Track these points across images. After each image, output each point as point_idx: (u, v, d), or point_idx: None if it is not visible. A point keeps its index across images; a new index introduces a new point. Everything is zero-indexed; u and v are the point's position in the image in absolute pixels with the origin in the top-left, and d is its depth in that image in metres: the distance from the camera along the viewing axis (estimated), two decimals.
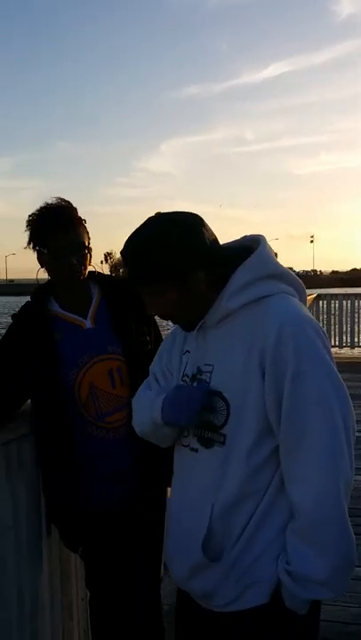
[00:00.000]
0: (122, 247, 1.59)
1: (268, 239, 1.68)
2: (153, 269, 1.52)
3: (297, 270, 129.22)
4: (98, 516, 2.13)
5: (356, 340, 12.28)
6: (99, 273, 2.26)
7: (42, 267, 2.14)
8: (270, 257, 1.63)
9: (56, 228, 2.07)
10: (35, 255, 2.13)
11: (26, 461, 2.12)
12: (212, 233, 1.59)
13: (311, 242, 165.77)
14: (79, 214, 2.15)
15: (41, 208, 2.13)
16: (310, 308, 11.38)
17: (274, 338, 1.48)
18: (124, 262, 1.60)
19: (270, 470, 1.54)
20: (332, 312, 12.25)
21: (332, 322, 12.25)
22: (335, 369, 1.52)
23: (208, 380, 1.60)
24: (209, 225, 1.58)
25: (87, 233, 2.14)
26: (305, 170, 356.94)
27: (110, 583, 2.18)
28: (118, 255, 1.63)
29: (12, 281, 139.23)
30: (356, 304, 12.31)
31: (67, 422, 2.08)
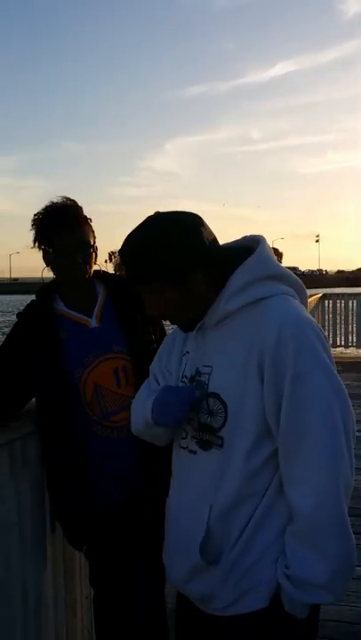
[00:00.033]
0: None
1: (273, 238, 1.70)
2: (152, 269, 1.52)
3: (302, 270, 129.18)
4: (102, 515, 2.13)
5: None
6: (104, 272, 2.26)
7: (47, 265, 2.14)
8: (270, 258, 1.61)
9: (61, 226, 2.07)
10: (39, 254, 2.14)
11: (30, 459, 2.12)
12: (212, 233, 1.58)
13: (317, 241, 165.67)
14: (84, 213, 2.15)
15: (46, 207, 2.13)
16: (316, 307, 11.38)
17: (273, 340, 1.47)
18: (122, 261, 1.59)
19: (269, 473, 1.53)
20: (338, 312, 12.24)
21: (338, 321, 12.24)
22: (335, 371, 1.51)
23: (206, 382, 1.59)
24: (214, 224, 1.59)
25: (92, 232, 2.14)
26: (311, 169, 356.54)
27: (114, 582, 2.17)
28: None
29: (16, 279, 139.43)
30: None
31: (71, 421, 2.08)
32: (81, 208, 2.15)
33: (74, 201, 2.16)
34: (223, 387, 1.55)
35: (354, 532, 1.50)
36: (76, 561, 2.40)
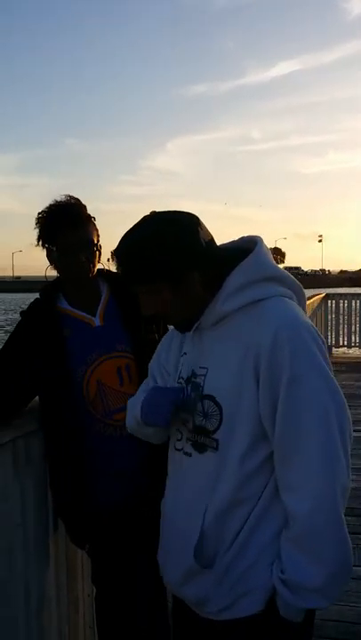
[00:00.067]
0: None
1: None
2: (148, 268, 1.51)
3: (305, 269, 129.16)
4: (102, 515, 2.13)
5: None
6: (107, 270, 2.26)
7: (51, 264, 2.15)
8: (267, 259, 1.60)
9: (65, 225, 2.08)
10: (42, 252, 2.14)
11: (34, 457, 2.12)
12: (209, 233, 1.57)
13: (320, 241, 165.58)
14: (88, 212, 2.16)
15: (50, 205, 2.13)
16: (319, 307, 11.37)
17: (269, 342, 1.46)
18: (117, 261, 1.58)
19: (264, 476, 1.52)
20: (341, 312, 12.24)
21: (341, 321, 12.23)
22: (331, 374, 1.50)
23: (202, 384, 1.58)
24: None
25: (96, 230, 2.14)
26: (313, 169, 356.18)
27: (117, 580, 2.18)
28: None
29: (18, 278, 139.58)
30: None
31: (74, 419, 2.08)
32: (85, 206, 2.16)
33: (77, 199, 2.16)
34: (218, 389, 1.54)
35: (353, 532, 1.49)
36: (78, 559, 2.41)
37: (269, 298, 1.54)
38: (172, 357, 1.74)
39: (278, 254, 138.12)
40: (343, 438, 1.47)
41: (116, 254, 1.57)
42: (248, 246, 1.60)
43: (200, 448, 1.58)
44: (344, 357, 12.02)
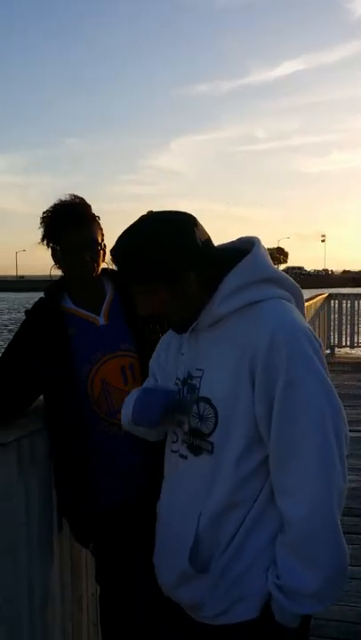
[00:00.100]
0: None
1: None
2: (145, 268, 1.50)
3: (308, 269, 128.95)
4: (102, 515, 2.13)
5: None
6: (112, 270, 2.26)
7: (56, 263, 2.16)
8: (264, 260, 1.58)
9: (69, 224, 2.09)
10: (45, 252, 2.15)
11: (38, 457, 2.13)
12: (205, 233, 1.56)
13: (322, 241, 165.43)
14: (92, 211, 2.16)
15: (54, 205, 2.14)
16: (322, 307, 11.37)
17: (266, 345, 1.44)
18: (113, 261, 1.57)
19: (260, 480, 1.51)
20: (344, 312, 12.24)
21: (344, 322, 12.23)
22: (327, 377, 1.48)
23: (198, 386, 1.57)
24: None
25: (101, 230, 2.15)
26: (315, 169, 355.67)
27: (120, 580, 2.18)
28: None
29: (22, 277, 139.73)
30: None
31: (79, 418, 2.09)
32: (89, 206, 2.16)
33: (82, 199, 2.17)
34: (214, 391, 1.53)
35: (353, 533, 1.49)
36: (82, 558, 2.41)
37: (266, 300, 1.52)
38: (170, 357, 1.74)
39: (281, 254, 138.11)
40: (339, 442, 1.46)
41: (114, 254, 1.57)
42: (246, 247, 1.59)
43: (195, 451, 1.58)
44: (347, 357, 12.02)
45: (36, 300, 2.24)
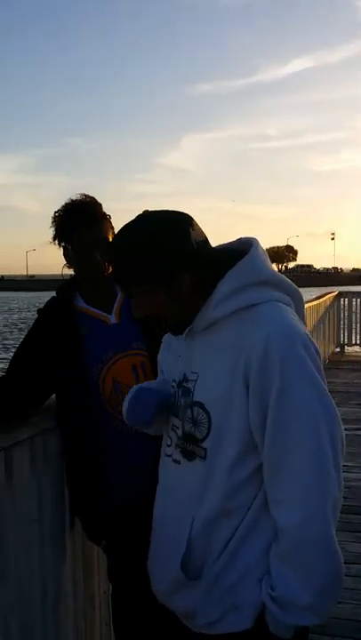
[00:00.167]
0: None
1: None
2: (141, 268, 1.47)
3: (317, 267, 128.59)
4: (113, 512, 2.14)
5: None
6: None
7: (67, 262, 2.17)
8: (262, 262, 1.54)
9: (80, 223, 2.10)
10: (55, 251, 2.16)
11: (51, 455, 2.14)
12: (202, 234, 1.53)
13: (332, 239, 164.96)
14: (103, 210, 2.17)
15: (66, 204, 2.15)
16: (332, 305, 11.34)
17: (260, 350, 1.41)
18: (111, 261, 1.55)
19: (254, 487, 1.48)
20: (354, 310, 12.21)
21: (354, 320, 12.20)
22: (323, 384, 1.45)
23: (192, 389, 1.54)
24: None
25: (112, 228, 2.15)
26: (326, 167, 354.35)
27: (132, 577, 2.19)
28: None
29: (32, 276, 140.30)
30: None
31: (90, 417, 2.10)
32: (100, 205, 2.17)
33: (93, 198, 2.18)
34: (208, 396, 1.50)
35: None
36: (94, 556, 2.42)
37: (263, 303, 1.49)
38: (170, 358, 1.72)
39: (290, 252, 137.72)
40: (335, 450, 1.43)
41: (110, 254, 1.54)
42: (245, 248, 1.55)
43: (189, 456, 1.55)
44: (357, 356, 11.99)
45: (47, 299, 2.25)
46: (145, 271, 1.47)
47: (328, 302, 10.99)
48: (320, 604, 1.44)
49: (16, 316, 42.48)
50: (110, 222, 2.17)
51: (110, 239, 2.12)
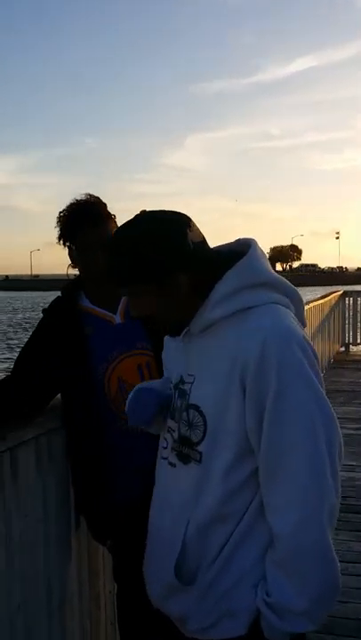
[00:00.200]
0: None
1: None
2: (136, 268, 1.46)
3: (322, 267, 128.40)
4: (119, 512, 2.14)
5: None
6: None
7: (72, 262, 2.17)
8: (260, 263, 1.52)
9: (85, 223, 2.10)
10: (59, 251, 2.17)
11: (56, 455, 2.14)
12: (200, 234, 1.51)
13: (337, 238, 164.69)
14: (108, 210, 2.17)
15: (70, 204, 2.15)
16: (337, 304, 11.33)
17: (257, 353, 1.39)
18: (108, 260, 1.54)
19: (250, 492, 1.46)
20: (359, 309, 12.19)
21: (359, 319, 12.18)
22: (320, 387, 1.44)
23: (188, 392, 1.53)
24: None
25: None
26: (329, 166, 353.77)
27: (137, 577, 2.19)
28: None
29: (36, 276, 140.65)
30: None
31: (95, 417, 2.10)
32: (105, 205, 2.18)
33: (98, 198, 2.18)
34: (204, 399, 1.49)
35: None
36: (99, 556, 2.43)
37: (260, 305, 1.47)
38: (171, 359, 1.72)
39: (295, 251, 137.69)
40: (332, 454, 1.42)
41: (108, 254, 1.53)
42: (243, 249, 1.53)
43: (184, 459, 1.54)
44: None
45: (51, 299, 2.25)
46: (141, 270, 1.46)
47: (333, 301, 10.98)
48: (316, 610, 1.42)
49: (20, 315, 42.57)
50: (115, 222, 2.17)
51: None
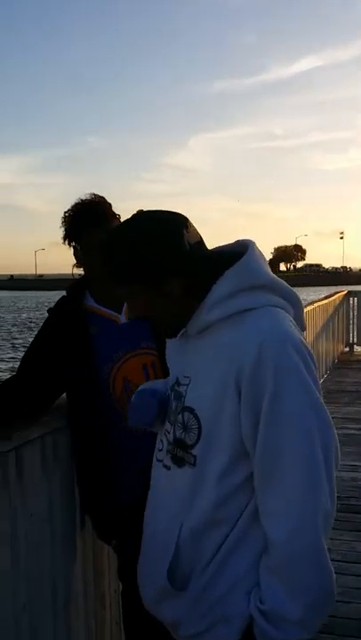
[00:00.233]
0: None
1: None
2: (132, 268, 1.45)
3: (326, 267, 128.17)
4: (123, 512, 2.14)
5: None
6: None
7: (77, 262, 2.18)
8: (258, 265, 1.50)
9: (90, 223, 2.10)
10: (64, 251, 2.17)
11: (61, 454, 2.15)
12: (197, 235, 1.50)
13: (341, 238, 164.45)
14: (113, 209, 2.18)
15: (75, 204, 2.16)
16: (341, 304, 11.31)
17: (253, 356, 1.37)
18: (105, 260, 1.54)
19: (245, 497, 1.44)
20: None
21: None
22: (316, 391, 1.42)
23: (184, 394, 1.52)
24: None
25: None
26: (333, 166, 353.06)
27: None
28: None
29: (41, 276, 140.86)
30: None
31: (100, 417, 2.10)
32: (110, 204, 2.18)
33: (102, 197, 2.18)
34: (199, 402, 1.47)
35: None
36: (104, 555, 2.43)
37: (258, 308, 1.45)
38: (171, 360, 1.71)
39: (299, 251, 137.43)
40: (328, 461, 1.40)
41: (104, 253, 1.52)
42: (241, 250, 1.51)
43: (178, 462, 1.52)
44: None
45: (56, 298, 2.26)
46: (137, 270, 1.45)
47: (337, 301, 10.96)
48: (310, 618, 1.40)
49: (25, 315, 42.63)
50: (120, 221, 2.17)
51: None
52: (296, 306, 1.55)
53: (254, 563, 1.45)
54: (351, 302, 12.11)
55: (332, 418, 1.46)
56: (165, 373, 2.03)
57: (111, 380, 2.11)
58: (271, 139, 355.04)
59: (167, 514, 1.54)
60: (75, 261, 2.20)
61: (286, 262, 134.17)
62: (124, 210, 2.17)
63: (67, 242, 2.16)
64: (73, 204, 2.16)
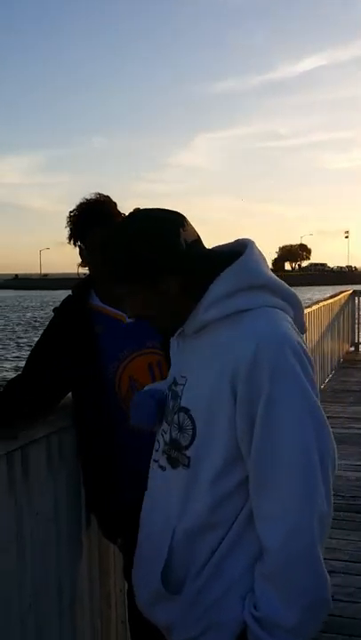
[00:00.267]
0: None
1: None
2: (129, 267, 1.44)
3: (331, 266, 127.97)
4: (127, 512, 2.14)
5: None
6: None
7: (82, 261, 2.18)
8: (257, 265, 1.48)
9: (94, 222, 2.10)
10: (68, 250, 2.17)
11: (67, 453, 2.15)
12: (194, 233, 1.48)
13: (346, 237, 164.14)
14: (118, 209, 2.18)
15: (80, 204, 2.16)
16: (346, 304, 11.29)
17: (249, 358, 1.35)
18: (102, 259, 1.53)
19: (239, 500, 1.42)
20: None
21: None
22: (312, 394, 1.39)
23: (180, 394, 1.50)
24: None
25: None
26: (338, 165, 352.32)
27: None
28: None
29: (45, 275, 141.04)
30: None
31: (106, 416, 2.10)
32: (114, 204, 2.18)
33: (107, 197, 2.18)
34: (194, 402, 1.45)
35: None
36: (110, 554, 2.43)
37: (255, 309, 1.42)
38: (172, 359, 1.71)
39: (304, 250, 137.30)
40: (324, 464, 1.38)
41: (102, 252, 1.51)
42: (241, 249, 1.50)
43: (173, 463, 1.50)
44: None
45: (61, 297, 2.26)
46: (134, 268, 1.44)
47: (343, 301, 10.95)
48: (304, 626, 1.38)
49: (30, 314, 42.72)
50: None
51: None
52: (296, 307, 1.53)
53: (250, 566, 1.43)
54: (356, 302, 12.09)
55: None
56: None
57: (117, 379, 2.11)
58: (275, 138, 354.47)
59: (162, 515, 1.52)
60: (79, 261, 2.20)
61: (291, 261, 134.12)
62: (128, 209, 2.17)
63: (72, 241, 2.16)
64: (78, 203, 2.16)
